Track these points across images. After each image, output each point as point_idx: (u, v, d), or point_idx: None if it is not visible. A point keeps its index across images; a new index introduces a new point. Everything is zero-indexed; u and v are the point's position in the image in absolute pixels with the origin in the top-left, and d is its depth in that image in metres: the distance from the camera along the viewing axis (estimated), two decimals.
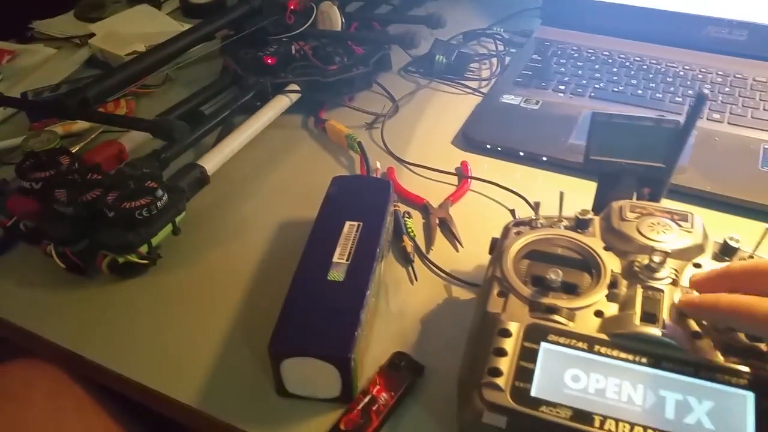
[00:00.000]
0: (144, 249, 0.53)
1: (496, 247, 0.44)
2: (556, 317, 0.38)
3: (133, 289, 0.54)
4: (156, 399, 0.47)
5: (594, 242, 0.42)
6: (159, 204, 0.52)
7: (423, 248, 0.57)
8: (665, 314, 0.37)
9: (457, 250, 0.57)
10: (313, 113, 0.75)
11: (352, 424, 0.41)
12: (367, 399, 0.42)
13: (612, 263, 0.41)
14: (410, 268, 0.55)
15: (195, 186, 0.59)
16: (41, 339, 0.51)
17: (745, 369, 0.34)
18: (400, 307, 0.51)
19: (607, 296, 0.39)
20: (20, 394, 0.50)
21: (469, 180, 0.64)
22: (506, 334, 0.37)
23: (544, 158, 0.65)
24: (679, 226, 0.42)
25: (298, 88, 0.73)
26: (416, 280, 0.54)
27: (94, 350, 0.49)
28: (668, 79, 0.75)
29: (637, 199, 0.46)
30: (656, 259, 0.38)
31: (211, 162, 0.61)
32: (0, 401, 0.50)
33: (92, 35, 0.87)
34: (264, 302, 0.51)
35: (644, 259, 0.39)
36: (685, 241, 0.41)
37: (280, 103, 0.71)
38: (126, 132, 0.68)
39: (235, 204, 0.63)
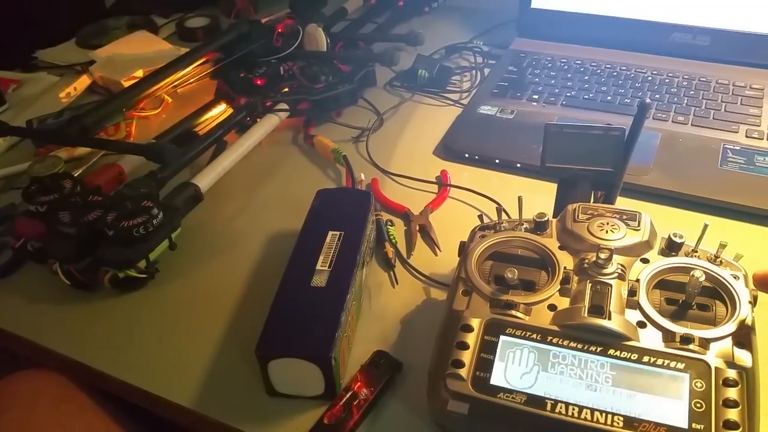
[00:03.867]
0: (143, 264, 0.57)
1: (462, 250, 0.48)
2: (514, 312, 0.41)
3: (133, 301, 0.58)
4: (156, 402, 0.51)
5: (550, 242, 0.46)
6: (155, 222, 0.56)
7: (404, 254, 0.61)
8: (612, 306, 0.40)
9: (436, 255, 0.61)
10: (301, 129, 0.79)
11: (334, 419, 0.45)
12: (348, 395, 0.46)
13: (565, 261, 0.44)
14: (392, 273, 0.59)
15: (190, 203, 0.63)
16: (48, 350, 0.55)
17: (682, 354, 0.38)
18: (381, 309, 0.55)
19: (560, 291, 0.43)
20: (27, 401, 0.54)
21: (448, 188, 0.68)
22: (468, 329, 0.41)
23: (518, 165, 0.69)
24: (627, 225, 0.45)
25: (286, 107, 0.77)
26: (397, 283, 0.58)
27: (97, 359, 0.53)
28: (637, 84, 0.79)
29: (593, 201, 0.50)
30: (603, 255, 0.42)
31: (204, 180, 0.65)
32: (8, 407, 0.54)
33: (93, 62, 0.92)
34: (254, 309, 0.55)
35: (593, 257, 0.43)
36: (632, 239, 0.44)
37: (270, 121, 0.75)
38: (125, 155, 0.72)
39: (227, 218, 0.67)
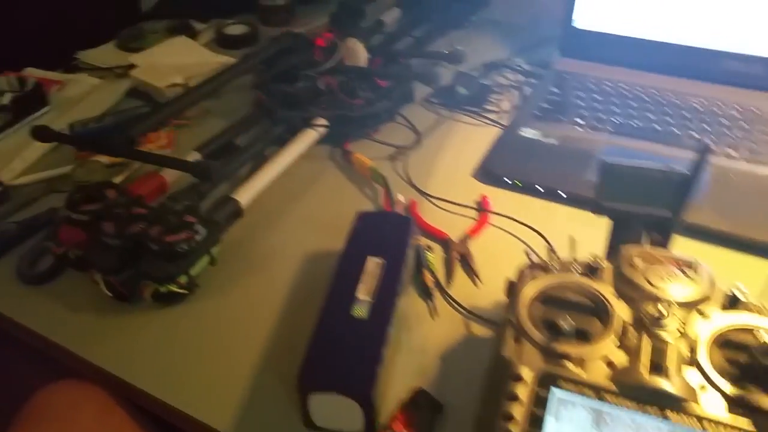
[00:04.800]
0: (183, 279, 0.57)
1: (511, 291, 0.47)
2: (568, 364, 0.40)
3: (172, 316, 0.58)
4: (192, 424, 0.50)
5: (605, 288, 0.44)
6: (198, 237, 0.56)
7: (443, 282, 0.60)
8: (671, 365, 0.39)
9: (477, 286, 0.59)
10: (339, 145, 0.78)
11: None
12: None
13: (622, 311, 0.43)
14: (430, 303, 0.58)
15: (230, 218, 0.62)
16: (87, 362, 0.55)
17: (747, 426, 0.36)
18: (420, 342, 0.54)
19: (616, 344, 0.41)
20: (67, 415, 0.54)
21: (488, 215, 0.67)
22: (519, 379, 0.40)
23: (563, 193, 0.68)
24: (686, 274, 0.44)
25: (325, 122, 0.76)
26: (436, 315, 0.57)
27: (135, 374, 0.53)
28: (685, 113, 0.76)
29: (648, 243, 0.48)
30: (663, 309, 0.40)
31: (245, 195, 0.65)
32: (49, 421, 0.54)
33: (132, 65, 0.92)
34: (292, 332, 0.54)
35: (651, 308, 0.41)
36: (691, 291, 0.43)
37: (309, 136, 0.75)
38: None
39: (265, 235, 0.67)
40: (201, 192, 0.64)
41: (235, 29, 1.01)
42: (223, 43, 1.01)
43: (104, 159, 0.75)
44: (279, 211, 0.70)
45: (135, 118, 0.67)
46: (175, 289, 0.57)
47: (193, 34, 1.02)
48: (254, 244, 0.65)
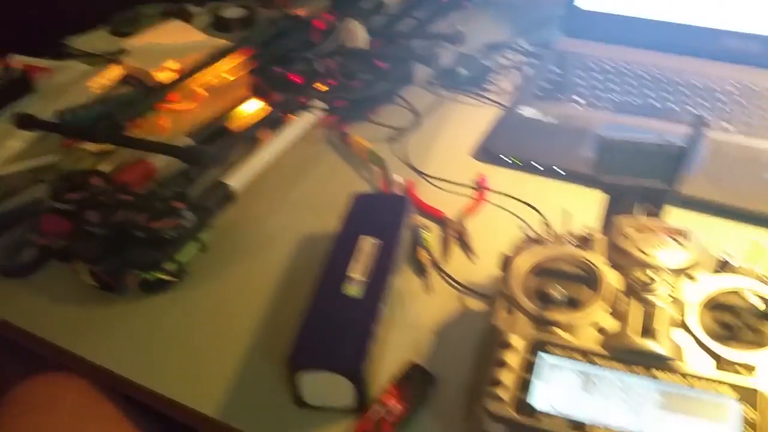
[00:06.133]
0: (172, 266, 0.57)
1: (505, 265, 0.47)
2: (558, 331, 0.40)
3: (160, 305, 0.57)
4: (180, 410, 0.50)
5: (597, 258, 0.44)
6: (186, 224, 0.56)
7: (439, 260, 0.59)
8: (660, 327, 0.38)
9: (472, 262, 0.59)
10: (336, 128, 0.78)
11: None
12: (380, 409, 0.45)
13: (613, 279, 0.42)
14: (425, 279, 0.57)
15: (222, 203, 0.62)
16: (70, 353, 0.54)
17: (732, 379, 0.36)
18: (414, 318, 0.54)
19: (605, 310, 0.41)
20: (49, 406, 0.53)
21: (485, 193, 0.66)
22: (510, 347, 0.39)
23: (560, 170, 0.67)
24: (677, 242, 0.43)
25: (323, 104, 0.76)
26: (431, 291, 0.56)
27: (121, 363, 0.52)
28: (683, 90, 0.75)
29: (642, 214, 0.48)
30: (652, 274, 0.40)
31: (237, 179, 0.64)
32: (28, 414, 0.53)
33: (125, 51, 0.89)
34: (284, 316, 0.54)
35: (641, 274, 0.41)
36: (681, 257, 0.42)
37: (306, 119, 0.74)
38: None
39: (259, 219, 0.66)
40: (191, 177, 0.63)
41: (232, 12, 0.99)
42: (219, 26, 0.99)
43: (92, 147, 0.72)
44: (273, 195, 0.69)
45: (124, 104, 0.67)
46: (162, 276, 0.56)
47: (188, 18, 1.00)
48: (248, 228, 0.65)
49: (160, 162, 0.69)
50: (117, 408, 0.56)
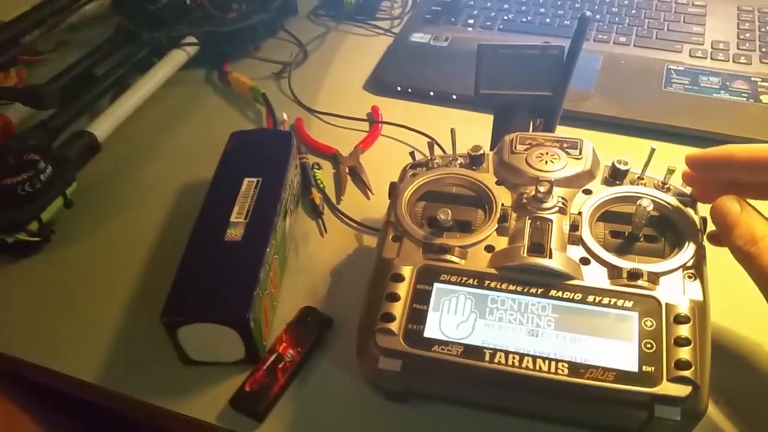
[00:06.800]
0: (34, 226, 0.50)
1: (392, 192, 0.43)
2: (449, 257, 0.37)
3: (28, 268, 0.51)
4: (60, 380, 0.45)
5: (486, 178, 0.42)
6: (42, 177, 0.49)
7: (333, 199, 0.56)
8: (553, 243, 0.37)
9: (369, 198, 0.56)
10: (216, 67, 0.72)
11: (257, 385, 0.40)
12: (273, 357, 0.42)
13: (503, 197, 0.40)
14: (320, 221, 0.54)
15: (85, 154, 0.56)
16: None
17: (630, 291, 0.35)
18: (309, 262, 0.50)
19: (497, 230, 0.38)
20: None
21: (379, 125, 0.63)
22: (399, 278, 0.37)
23: (454, 96, 0.64)
24: (568, 154, 0.41)
25: (195, 41, 0.69)
26: (326, 232, 0.53)
27: None
28: (576, 4, 0.74)
29: (533, 130, 0.46)
30: (542, 189, 0.38)
31: (101, 127, 0.57)
32: None
33: None
34: (164, 270, 0.49)
35: (532, 191, 0.39)
36: (573, 169, 0.40)
37: (177, 57, 0.68)
38: (12, 103, 0.63)
39: (133, 170, 0.60)
40: (51, 129, 0.56)
41: None
42: None
43: None
44: (148, 143, 0.63)
45: None
46: (24, 237, 0.50)
47: None
48: (121, 181, 0.59)
49: (17, 114, 0.61)
50: (4, 387, 0.50)
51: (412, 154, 0.48)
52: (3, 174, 0.49)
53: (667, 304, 0.34)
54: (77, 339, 0.46)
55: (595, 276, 0.36)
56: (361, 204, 0.55)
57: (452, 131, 0.43)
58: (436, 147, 0.45)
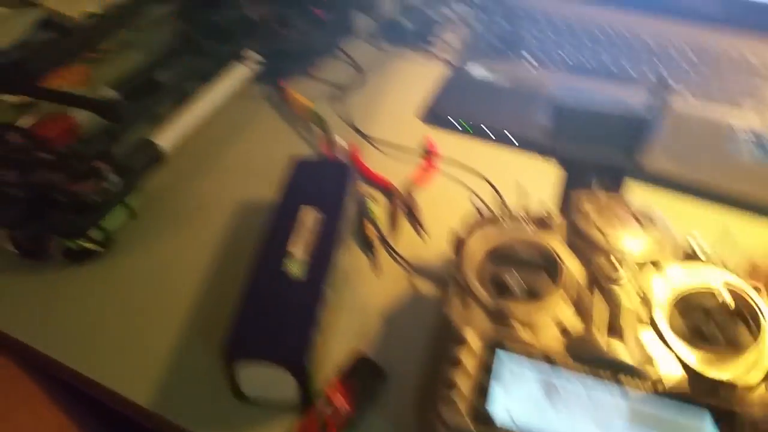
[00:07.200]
0: (97, 234, 0.51)
1: (458, 247, 0.43)
2: (516, 326, 0.37)
3: (88, 276, 0.52)
4: (109, 396, 0.46)
5: (556, 243, 0.41)
6: (110, 187, 0.50)
7: (387, 235, 0.56)
8: (626, 327, 0.36)
9: (422, 239, 0.56)
10: (275, 83, 0.72)
11: None
12: (325, 408, 0.42)
13: (573, 265, 0.40)
14: (372, 257, 0.54)
15: (149, 165, 0.56)
16: None
17: (705, 389, 0.34)
18: (361, 301, 0.50)
19: (566, 302, 0.38)
20: None
21: (434, 160, 0.63)
22: (464, 342, 0.37)
23: (512, 137, 0.64)
24: (642, 225, 0.41)
25: (258, 56, 0.69)
26: (379, 271, 0.53)
27: (45, 341, 0.48)
28: (639, 50, 0.73)
29: (601, 189, 0.45)
30: (616, 263, 0.38)
31: (167, 138, 0.58)
32: None
33: None
34: (220, 293, 0.50)
35: (604, 262, 0.39)
36: (646, 243, 0.40)
37: (240, 72, 0.68)
38: None
39: (193, 183, 0.60)
40: (115, 135, 0.57)
41: None
42: None
43: (11, 98, 0.66)
44: (207, 156, 0.63)
45: (42, 52, 0.58)
46: (87, 245, 0.51)
47: None
48: (180, 194, 0.59)
49: (83, 116, 0.62)
50: (42, 387, 0.52)
51: (475, 205, 0.47)
52: (69, 179, 0.49)
53: (744, 411, 0.33)
54: (129, 354, 0.47)
55: (669, 369, 0.35)
56: (414, 243, 0.55)
57: (520, 187, 0.43)
58: (498, 198, 0.45)
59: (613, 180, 0.46)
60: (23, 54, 0.71)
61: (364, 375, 0.44)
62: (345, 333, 0.48)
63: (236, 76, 0.67)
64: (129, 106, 0.53)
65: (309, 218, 0.49)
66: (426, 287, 0.51)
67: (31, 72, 0.58)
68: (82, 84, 0.72)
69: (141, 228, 0.55)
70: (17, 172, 0.50)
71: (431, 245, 0.55)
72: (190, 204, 0.58)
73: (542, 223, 0.43)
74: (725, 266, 0.40)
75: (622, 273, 0.38)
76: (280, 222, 0.49)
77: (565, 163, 0.46)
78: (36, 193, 0.50)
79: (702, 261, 0.40)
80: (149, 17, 0.75)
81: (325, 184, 0.53)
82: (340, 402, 0.42)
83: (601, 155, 0.44)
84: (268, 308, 0.43)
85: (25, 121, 0.64)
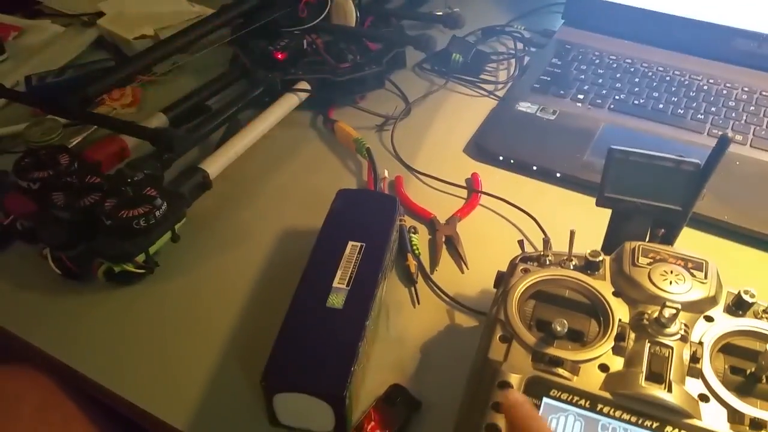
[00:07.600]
0: (141, 258, 0.52)
1: (501, 285, 0.43)
2: (560, 371, 0.36)
3: (128, 298, 0.53)
4: (146, 419, 0.46)
5: (603, 286, 0.40)
6: (158, 213, 0.51)
7: (427, 267, 0.56)
8: (672, 374, 0.35)
9: (463, 272, 0.55)
10: (322, 112, 0.73)
11: None
12: None
13: (620, 312, 0.39)
14: (413, 290, 0.53)
15: (197, 191, 0.57)
16: (31, 345, 0.50)
17: None
18: (399, 333, 0.50)
19: (613, 349, 0.37)
20: (9, 406, 0.49)
21: (479, 195, 0.62)
22: (506, 386, 0.36)
23: (558, 174, 0.63)
24: (693, 275, 0.40)
25: (308, 86, 0.71)
26: (419, 303, 0.53)
27: (85, 362, 0.48)
28: (691, 93, 0.72)
29: (651, 239, 0.45)
30: (666, 313, 0.37)
31: (214, 165, 0.59)
32: None
33: (101, 13, 0.85)
34: (260, 319, 0.50)
35: (654, 312, 0.38)
36: (697, 293, 0.39)
37: (289, 101, 0.69)
38: None
39: (236, 209, 0.61)
40: (165, 160, 0.58)
41: None
42: None
43: (62, 118, 0.68)
44: (252, 182, 0.64)
45: (96, 74, 0.61)
46: (130, 268, 0.52)
47: None
48: (223, 219, 0.60)
49: (134, 140, 0.64)
50: (80, 408, 0.52)
51: (520, 243, 0.47)
52: (121, 206, 0.51)
53: None
54: (167, 377, 0.47)
55: (714, 417, 0.34)
56: (455, 277, 0.55)
57: (572, 233, 0.42)
58: (543, 236, 0.44)
59: (666, 229, 0.45)
60: (78, 74, 0.74)
61: (399, 405, 0.43)
62: (382, 364, 0.47)
63: (286, 105, 0.69)
64: (181, 137, 0.55)
65: (352, 250, 0.49)
66: (464, 320, 0.51)
67: (84, 94, 0.60)
68: (133, 106, 0.74)
69: (183, 251, 0.56)
70: (65, 195, 0.52)
71: (472, 278, 0.54)
72: (234, 229, 0.59)
73: (589, 265, 0.42)
74: None
75: (672, 323, 0.37)
76: (322, 252, 0.49)
77: (615, 206, 0.45)
78: (82, 216, 0.51)
79: (752, 312, 0.39)
80: (203, 43, 0.77)
81: (370, 215, 0.53)
82: (374, 429, 0.41)
83: (654, 203, 0.43)
84: (309, 339, 0.43)
85: (76, 142, 0.66)
